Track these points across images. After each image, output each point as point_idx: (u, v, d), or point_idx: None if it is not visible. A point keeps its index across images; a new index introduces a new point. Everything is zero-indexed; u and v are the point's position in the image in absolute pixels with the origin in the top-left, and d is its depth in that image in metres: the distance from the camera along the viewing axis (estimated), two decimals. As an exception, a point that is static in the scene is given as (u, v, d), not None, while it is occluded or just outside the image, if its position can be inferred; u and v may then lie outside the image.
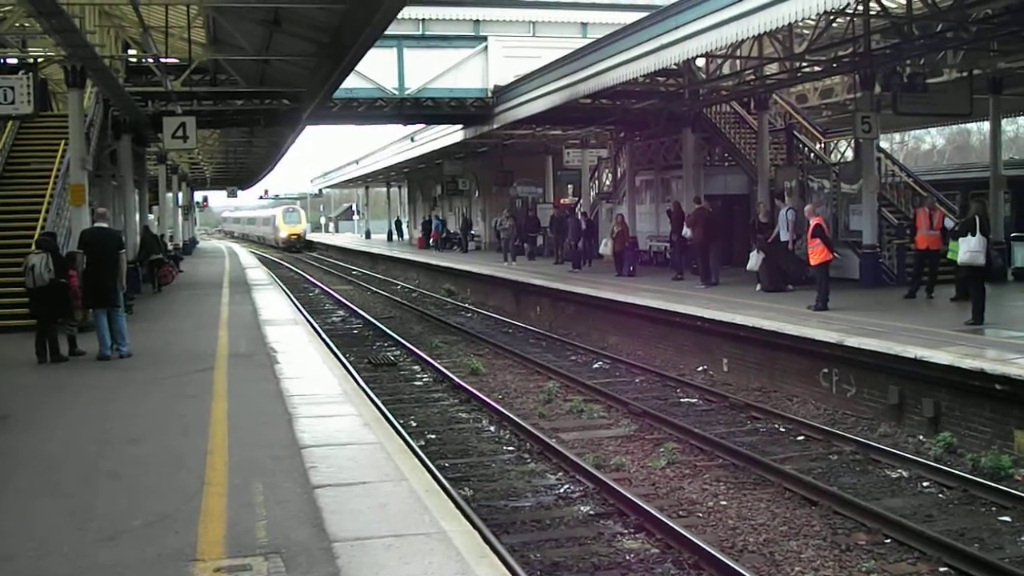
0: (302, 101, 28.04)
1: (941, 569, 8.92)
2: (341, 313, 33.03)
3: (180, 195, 60.65)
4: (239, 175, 74.38)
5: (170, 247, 39.62)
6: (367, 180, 79.59)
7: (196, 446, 9.51)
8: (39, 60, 21.97)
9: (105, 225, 16.60)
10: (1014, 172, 28.74)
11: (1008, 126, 59.22)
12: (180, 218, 60.06)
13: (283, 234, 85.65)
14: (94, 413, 11.57)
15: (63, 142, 22.53)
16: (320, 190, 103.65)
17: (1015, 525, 10.14)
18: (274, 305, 25.17)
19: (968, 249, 16.15)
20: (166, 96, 26.88)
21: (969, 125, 64.56)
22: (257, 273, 41.18)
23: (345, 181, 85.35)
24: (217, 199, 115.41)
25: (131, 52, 27.84)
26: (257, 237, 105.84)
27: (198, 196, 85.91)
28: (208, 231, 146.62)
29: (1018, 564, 8.89)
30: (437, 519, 7.16)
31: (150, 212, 46.26)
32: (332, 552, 6.46)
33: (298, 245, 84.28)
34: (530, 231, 41.82)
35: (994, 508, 10.66)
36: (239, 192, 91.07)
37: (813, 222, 19.42)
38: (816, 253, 19.18)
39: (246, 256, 61.67)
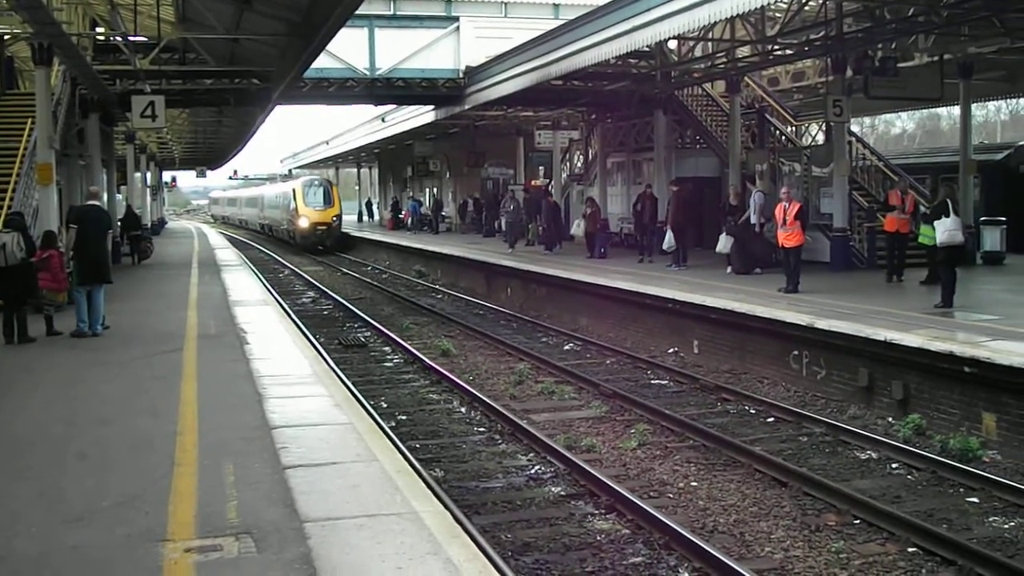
0: (272, 81, 27.83)
1: (910, 549, 8.97)
2: (311, 294, 32.89)
3: (148, 175, 60.21)
4: (208, 155, 73.94)
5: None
6: (337, 161, 79.34)
7: (165, 427, 9.44)
8: (6, 37, 21.74)
9: (97, 203, 16.59)
10: (983, 157, 28.97)
11: (977, 111, 59.68)
12: (148, 198, 59.58)
13: (304, 222, 53.50)
14: (62, 394, 11.47)
15: (30, 120, 22.25)
16: (290, 170, 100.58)
17: (983, 506, 10.23)
18: (244, 286, 25.06)
19: (945, 229, 16.33)
20: (134, 75, 26.60)
21: (939, 110, 65.11)
22: (226, 254, 40.98)
23: (315, 161, 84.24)
24: (195, 178, 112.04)
25: (99, 30, 27.55)
26: (261, 225, 75.63)
27: (166, 176, 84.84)
28: (176, 212, 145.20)
29: (985, 544, 8.98)
30: (408, 499, 7.15)
31: (118, 192, 45.92)
32: (303, 532, 6.44)
33: (327, 242, 53.89)
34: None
35: (962, 489, 10.75)
36: (208, 172, 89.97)
37: (795, 206, 19.43)
38: (792, 236, 19.23)
39: (216, 237, 61.27)
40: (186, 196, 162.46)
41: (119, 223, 32.65)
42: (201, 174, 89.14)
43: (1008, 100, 57.24)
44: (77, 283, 15.81)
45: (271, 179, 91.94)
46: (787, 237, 19.44)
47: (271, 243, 64.08)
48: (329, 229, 53.67)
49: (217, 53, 26.19)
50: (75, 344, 15.04)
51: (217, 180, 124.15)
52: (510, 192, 40.45)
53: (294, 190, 55.48)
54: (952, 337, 13.52)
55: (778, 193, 21.02)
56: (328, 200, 54.18)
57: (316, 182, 57.13)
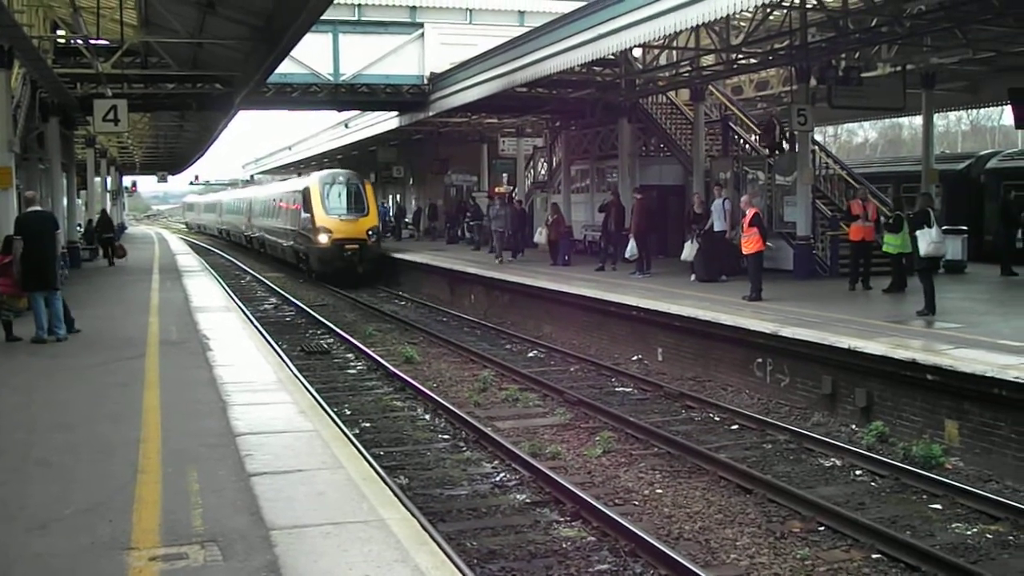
0: (235, 85, 27.70)
1: (874, 556, 9.03)
2: (273, 300, 32.70)
3: (109, 179, 59.76)
4: (170, 160, 73.36)
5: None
6: (300, 167, 78.73)
7: (129, 434, 9.34)
8: (-36, 40, 21.45)
9: (39, 208, 16.38)
10: (945, 166, 29.27)
11: (939, 121, 60.21)
12: (108, 203, 59.11)
13: (323, 238, 36.05)
14: (23, 401, 11.30)
15: (-11, 124, 22.04)
16: (252, 176, 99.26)
17: (945, 512, 10.31)
18: (205, 292, 24.91)
19: (931, 240, 16.52)
20: (96, 78, 26.36)
21: (901, 119, 65.69)
22: (188, 260, 40.72)
23: (277, 167, 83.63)
24: (156, 183, 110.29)
25: (60, 33, 27.31)
26: (248, 238, 58.29)
27: (127, 181, 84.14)
28: (137, 217, 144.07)
29: (948, 551, 9.03)
30: (375, 507, 7.13)
31: (78, 196, 45.62)
32: (270, 540, 6.39)
33: (361, 267, 36.37)
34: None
35: (925, 496, 10.82)
36: (169, 177, 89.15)
37: (750, 212, 19.54)
38: (751, 242, 19.32)
39: (177, 243, 60.79)
40: (146, 201, 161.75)
41: (78, 226, 32.97)
42: (162, 179, 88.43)
43: (969, 111, 57.89)
44: (21, 289, 15.63)
45: (236, 183, 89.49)
46: (744, 243, 19.57)
47: (232, 249, 63.16)
48: (363, 249, 36.40)
49: (180, 57, 26.00)
50: (35, 350, 14.87)
51: (178, 186, 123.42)
52: (497, 200, 35.78)
53: (308, 189, 38.07)
54: (915, 345, 13.61)
55: (739, 201, 21.16)
56: (360, 205, 37.29)
57: (341, 177, 38.70)
